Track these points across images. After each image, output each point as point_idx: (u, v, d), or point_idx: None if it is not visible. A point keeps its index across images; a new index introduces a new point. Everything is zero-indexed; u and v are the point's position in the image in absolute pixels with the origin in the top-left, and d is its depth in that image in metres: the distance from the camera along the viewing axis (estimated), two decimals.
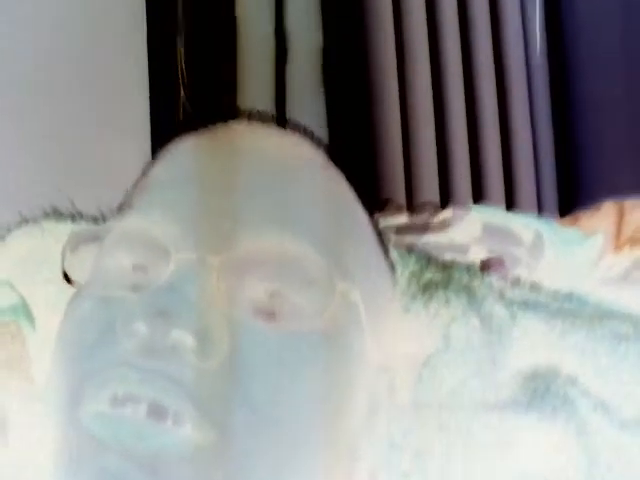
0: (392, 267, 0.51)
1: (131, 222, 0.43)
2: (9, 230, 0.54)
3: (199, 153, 0.46)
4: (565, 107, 1.41)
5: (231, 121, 0.48)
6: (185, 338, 0.37)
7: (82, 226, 0.51)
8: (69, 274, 0.42)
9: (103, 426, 0.37)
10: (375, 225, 0.50)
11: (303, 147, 0.48)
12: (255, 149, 0.46)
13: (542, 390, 0.45)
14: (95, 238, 0.44)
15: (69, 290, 0.44)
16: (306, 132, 0.49)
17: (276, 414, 0.39)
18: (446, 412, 0.43)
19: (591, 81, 1.38)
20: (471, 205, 0.81)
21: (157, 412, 0.37)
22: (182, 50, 1.27)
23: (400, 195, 1.30)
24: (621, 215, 0.78)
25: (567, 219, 0.82)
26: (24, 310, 0.49)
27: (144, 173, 0.48)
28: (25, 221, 0.54)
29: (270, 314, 0.40)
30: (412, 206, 0.91)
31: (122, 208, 0.45)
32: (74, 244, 0.43)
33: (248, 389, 0.39)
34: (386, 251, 0.50)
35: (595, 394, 0.47)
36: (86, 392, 0.38)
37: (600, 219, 0.78)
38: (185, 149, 0.47)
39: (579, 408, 0.45)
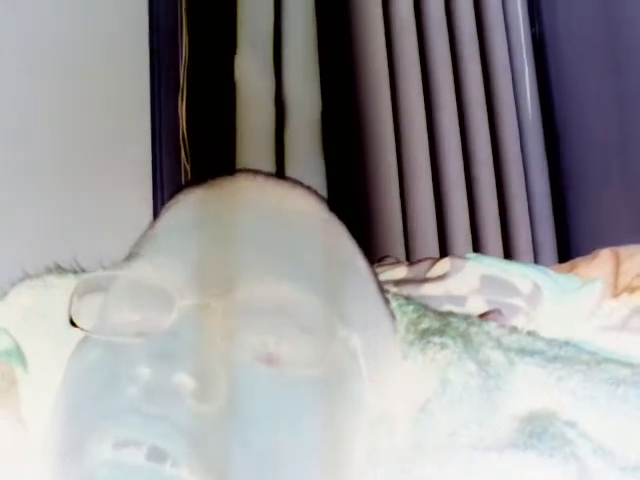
0: (392, 315, 0.51)
1: (137, 269, 0.44)
2: (12, 285, 0.55)
3: (204, 204, 0.48)
4: (560, 156, 1.43)
5: (237, 175, 0.50)
6: (186, 381, 0.38)
7: (89, 274, 0.51)
8: (75, 321, 0.43)
9: (107, 472, 0.37)
10: (376, 275, 0.51)
11: (305, 200, 0.50)
12: (257, 201, 0.47)
13: (539, 432, 0.45)
14: (102, 286, 0.45)
15: (67, 344, 0.45)
16: (309, 188, 0.51)
17: (274, 459, 0.39)
18: (444, 454, 0.43)
19: (583, 131, 1.40)
20: (469, 255, 0.81)
21: (156, 456, 0.37)
22: (184, 114, 1.29)
23: (399, 251, 1.31)
24: (617, 263, 0.79)
25: (564, 267, 0.82)
26: (18, 354, 0.50)
27: (151, 225, 0.50)
28: (28, 276, 0.55)
29: (270, 359, 0.41)
30: (411, 261, 0.92)
31: (129, 256, 0.46)
32: (82, 291, 0.44)
33: (247, 434, 0.39)
34: (386, 300, 0.51)
35: (594, 438, 0.47)
36: (89, 442, 0.38)
37: (597, 267, 0.79)
38: (191, 200, 0.49)
39: (578, 450, 0.45)
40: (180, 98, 1.28)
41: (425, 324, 0.52)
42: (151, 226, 0.50)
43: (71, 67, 1.18)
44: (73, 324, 0.43)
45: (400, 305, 0.54)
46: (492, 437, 0.45)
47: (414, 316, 0.53)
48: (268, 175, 0.50)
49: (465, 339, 0.50)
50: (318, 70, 1.36)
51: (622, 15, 1.35)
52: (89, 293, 0.45)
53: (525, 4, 1.47)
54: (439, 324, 0.51)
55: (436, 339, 0.49)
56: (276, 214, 0.47)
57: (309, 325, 0.42)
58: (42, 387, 0.48)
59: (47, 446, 0.42)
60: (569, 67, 1.45)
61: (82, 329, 0.43)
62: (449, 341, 0.49)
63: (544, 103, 1.45)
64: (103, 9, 1.23)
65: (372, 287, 0.50)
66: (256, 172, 0.50)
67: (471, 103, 1.39)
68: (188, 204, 0.49)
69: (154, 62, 1.30)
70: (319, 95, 1.36)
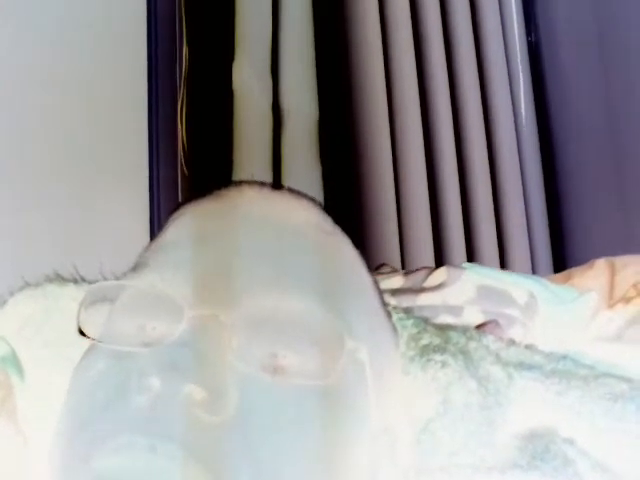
0: (394, 329, 0.52)
1: (145, 280, 0.44)
2: (12, 294, 0.55)
3: (211, 217, 0.48)
4: (556, 164, 1.44)
5: (242, 186, 0.50)
6: (196, 392, 0.38)
7: (96, 284, 0.52)
8: (84, 330, 0.43)
9: (113, 475, 0.37)
10: (379, 288, 0.52)
11: (310, 213, 0.50)
12: (263, 214, 0.48)
13: (541, 451, 0.45)
14: (110, 295, 0.45)
15: (66, 353, 0.45)
16: (314, 200, 0.51)
17: (279, 471, 0.39)
18: (446, 474, 0.43)
19: (579, 138, 1.41)
20: (465, 265, 0.81)
21: (165, 467, 0.37)
22: (184, 122, 1.30)
23: (395, 259, 1.31)
24: (613, 273, 0.79)
25: (560, 277, 0.83)
26: (13, 361, 0.50)
27: (158, 236, 0.50)
28: (28, 285, 0.55)
29: (277, 370, 0.41)
30: (407, 270, 0.93)
31: (136, 268, 0.47)
32: (89, 301, 0.44)
33: (253, 445, 0.39)
34: (389, 313, 0.52)
35: (593, 455, 0.47)
36: (97, 452, 0.38)
37: (593, 277, 0.79)
38: (198, 213, 0.49)
39: (579, 468, 0.45)
40: (179, 106, 1.29)
41: (425, 340, 0.52)
42: (158, 237, 0.50)
43: (69, 77, 1.18)
44: (82, 334, 0.43)
45: (400, 319, 0.55)
46: (494, 457, 0.45)
47: (414, 331, 0.53)
48: (274, 187, 0.51)
49: (465, 356, 0.50)
50: (315, 78, 1.36)
51: (617, 22, 1.35)
52: (96, 303, 0.45)
53: (521, 11, 1.48)
54: (439, 340, 0.51)
55: (437, 357, 0.49)
56: (282, 227, 0.47)
57: (316, 336, 0.42)
58: (39, 396, 0.48)
59: (52, 455, 0.42)
60: (565, 74, 1.46)
61: (91, 338, 0.43)
62: (450, 359, 0.49)
63: (540, 110, 1.46)
64: (101, 18, 1.24)
65: (376, 300, 0.50)
66: (262, 184, 0.51)
67: (467, 111, 1.39)
68: (195, 216, 0.49)
69: (151, 71, 1.30)
70: (316, 103, 1.36)
